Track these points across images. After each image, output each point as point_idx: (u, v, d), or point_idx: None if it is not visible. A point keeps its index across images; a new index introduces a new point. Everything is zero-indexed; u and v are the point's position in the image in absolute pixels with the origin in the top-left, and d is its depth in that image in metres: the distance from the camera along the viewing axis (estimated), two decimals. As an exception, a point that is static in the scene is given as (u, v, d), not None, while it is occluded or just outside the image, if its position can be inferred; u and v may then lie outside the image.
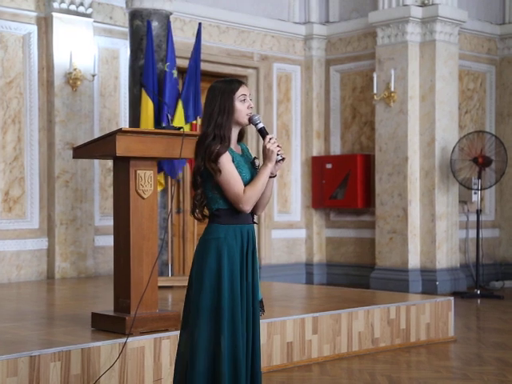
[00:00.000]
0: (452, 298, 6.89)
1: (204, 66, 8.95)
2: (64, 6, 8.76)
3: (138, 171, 4.93)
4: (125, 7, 8.23)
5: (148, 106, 7.73)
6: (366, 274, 10.33)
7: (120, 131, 4.72)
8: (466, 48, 10.78)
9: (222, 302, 3.39)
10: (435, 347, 6.45)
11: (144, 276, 4.90)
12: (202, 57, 8.40)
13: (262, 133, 3.54)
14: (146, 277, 4.85)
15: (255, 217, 3.59)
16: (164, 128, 5.37)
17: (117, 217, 5.03)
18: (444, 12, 9.79)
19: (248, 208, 3.46)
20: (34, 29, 8.73)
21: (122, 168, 4.96)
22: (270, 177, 3.50)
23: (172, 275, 8.03)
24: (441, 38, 9.83)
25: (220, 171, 3.39)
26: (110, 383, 4.63)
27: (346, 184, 10.58)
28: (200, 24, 8.25)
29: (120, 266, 4.98)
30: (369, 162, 10.51)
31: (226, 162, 3.41)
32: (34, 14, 8.72)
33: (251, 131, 9.64)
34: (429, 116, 9.83)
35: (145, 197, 4.97)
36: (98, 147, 4.88)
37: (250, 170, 3.51)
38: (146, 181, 4.97)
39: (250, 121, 3.53)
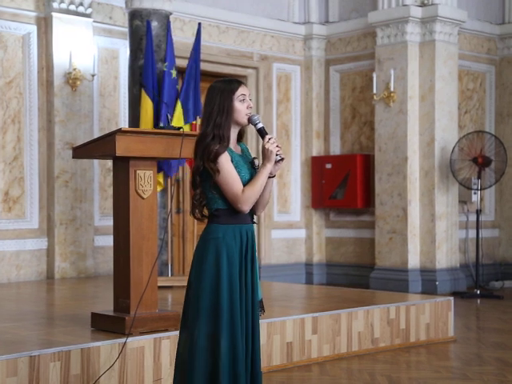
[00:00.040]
0: (452, 298, 6.89)
1: (204, 66, 8.94)
2: (63, 5, 8.76)
3: (138, 171, 4.93)
4: (124, 7, 8.23)
5: (147, 106, 7.72)
6: (365, 274, 10.33)
7: (119, 131, 4.72)
8: (466, 48, 10.77)
9: (221, 301, 3.39)
10: (435, 347, 6.45)
11: (144, 276, 4.90)
12: (202, 57, 8.39)
13: (262, 133, 3.53)
14: (146, 277, 4.85)
15: (255, 217, 3.58)
16: (163, 128, 5.37)
17: (116, 217, 5.03)
18: (444, 12, 9.79)
19: (246, 208, 3.45)
20: (33, 29, 8.73)
21: (122, 168, 4.95)
22: (270, 177, 3.50)
23: (172, 275, 8.02)
24: (440, 38, 9.83)
25: (219, 171, 3.39)
26: (109, 383, 4.62)
27: (345, 184, 10.58)
28: (200, 24, 8.24)
29: (120, 266, 4.98)
30: (368, 161, 10.50)
31: (225, 161, 3.41)
32: (34, 13, 8.72)
33: (251, 131, 9.63)
34: (428, 116, 9.83)
35: (144, 197, 4.96)
36: (98, 147, 4.88)
37: (250, 170, 3.50)
38: (146, 181, 4.97)
39: (250, 121, 3.52)
